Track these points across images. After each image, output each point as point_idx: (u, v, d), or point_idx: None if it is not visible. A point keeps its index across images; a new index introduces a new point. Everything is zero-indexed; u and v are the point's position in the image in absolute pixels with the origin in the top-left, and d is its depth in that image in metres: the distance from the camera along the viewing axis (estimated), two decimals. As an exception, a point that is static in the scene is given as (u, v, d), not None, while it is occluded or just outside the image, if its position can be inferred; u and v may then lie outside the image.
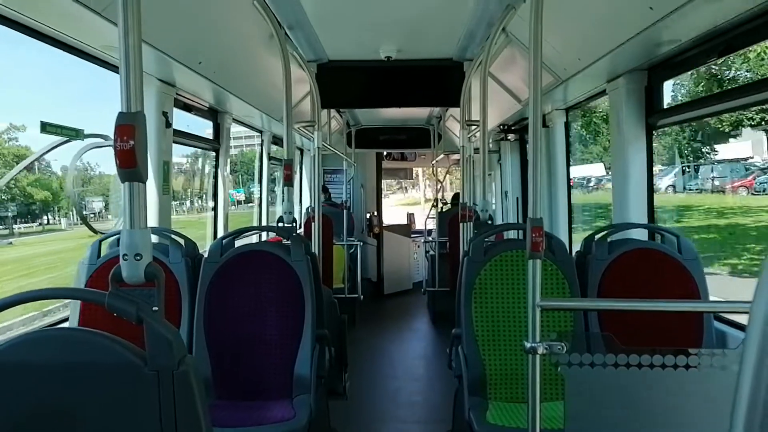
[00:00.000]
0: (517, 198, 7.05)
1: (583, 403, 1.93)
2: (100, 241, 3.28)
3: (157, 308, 1.44)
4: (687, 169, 8.72)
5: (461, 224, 4.74)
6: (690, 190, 8.77)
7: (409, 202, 23.40)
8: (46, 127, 3.21)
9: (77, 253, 3.37)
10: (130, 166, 1.43)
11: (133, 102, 1.47)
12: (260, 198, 6.85)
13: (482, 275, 3.21)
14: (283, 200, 7.97)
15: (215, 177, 5.29)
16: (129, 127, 1.42)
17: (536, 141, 2.13)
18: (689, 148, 8.69)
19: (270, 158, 6.76)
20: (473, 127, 4.98)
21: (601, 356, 1.88)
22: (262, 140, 6.59)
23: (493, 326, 3.17)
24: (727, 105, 3.05)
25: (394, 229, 10.44)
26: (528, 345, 2.05)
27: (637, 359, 1.86)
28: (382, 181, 11.40)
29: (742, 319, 3.17)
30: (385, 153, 10.78)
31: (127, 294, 1.42)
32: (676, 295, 3.12)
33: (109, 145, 3.78)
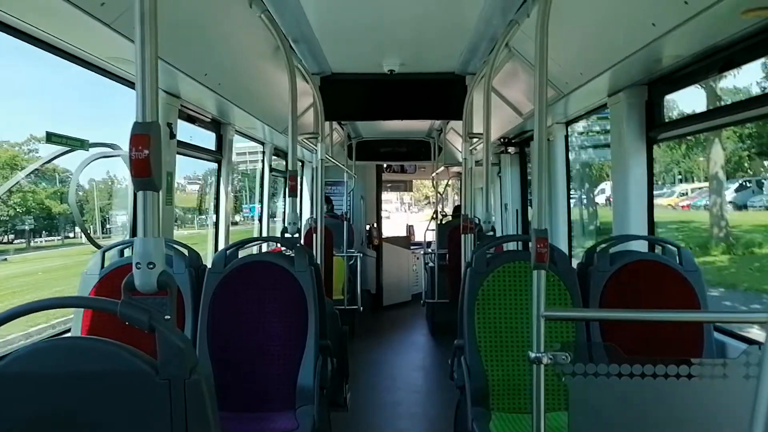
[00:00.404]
0: (517, 210, 7.08)
1: (586, 414, 1.94)
2: (104, 252, 3.30)
3: (169, 317, 1.46)
4: (748, 184, 8.28)
5: (462, 236, 4.77)
6: (753, 207, 8.22)
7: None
8: (51, 138, 3.21)
9: (68, 272, 3.36)
10: (145, 175, 1.45)
11: (148, 112, 1.50)
12: (261, 210, 6.87)
13: (485, 286, 3.23)
14: (284, 211, 8.00)
15: (217, 188, 5.31)
16: (144, 136, 1.45)
17: (541, 153, 2.16)
18: (749, 161, 8.24)
19: (271, 170, 6.79)
20: (475, 140, 5.03)
21: (605, 366, 1.90)
22: (264, 152, 6.63)
23: (495, 337, 3.19)
24: (728, 119, 3.09)
25: (394, 240, 10.47)
26: (532, 355, 2.06)
27: (641, 369, 1.88)
28: (406, 195, 11.45)
29: (741, 329, 3.21)
30: (385, 165, 10.83)
31: (139, 303, 1.44)
32: (677, 306, 3.14)
33: (115, 155, 3.81)
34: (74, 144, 3.40)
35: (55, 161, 3.81)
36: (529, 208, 7.02)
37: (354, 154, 9.16)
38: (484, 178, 4.22)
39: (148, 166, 1.44)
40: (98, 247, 3.64)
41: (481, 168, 4.40)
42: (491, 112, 4.12)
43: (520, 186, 7.13)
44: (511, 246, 5.98)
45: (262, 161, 6.72)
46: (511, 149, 6.88)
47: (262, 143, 6.50)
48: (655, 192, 3.83)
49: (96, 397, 1.41)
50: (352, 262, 8.05)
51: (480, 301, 3.22)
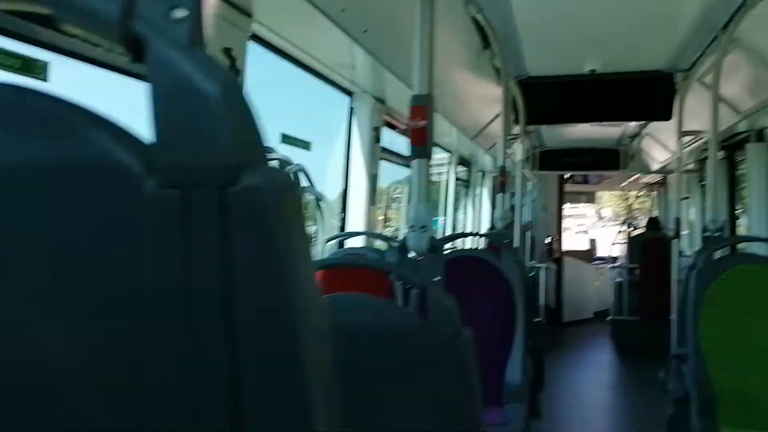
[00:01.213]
0: None
1: None
2: (326, 242, 3.57)
3: (439, 278, 1.54)
4: None
5: (672, 242, 4.45)
6: None
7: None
8: (284, 139, 3.53)
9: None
10: (421, 144, 1.57)
11: (425, 85, 1.62)
12: (445, 222, 7.00)
13: (712, 289, 2.98)
14: (472, 210, 8.02)
15: (410, 191, 5.49)
16: (422, 108, 1.57)
17: None
18: None
19: (457, 179, 6.89)
20: (686, 139, 4.68)
21: None
22: (450, 162, 6.74)
23: (726, 345, 2.92)
24: None
25: (575, 254, 10.06)
26: None
27: None
28: (605, 209, 11.02)
29: None
30: (566, 175, 10.47)
31: (412, 264, 1.54)
32: None
33: None
34: (302, 145, 3.72)
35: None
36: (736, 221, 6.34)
37: (538, 163, 8.94)
38: (708, 178, 3.91)
39: (425, 135, 1.56)
40: None
41: (686, 176, 4.11)
42: (698, 111, 3.82)
43: (727, 197, 6.45)
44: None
45: (447, 171, 6.84)
46: (718, 153, 6.26)
47: (449, 152, 6.61)
48: None
49: (368, 351, 1.50)
50: (533, 273, 7.86)
51: (706, 306, 2.98)
